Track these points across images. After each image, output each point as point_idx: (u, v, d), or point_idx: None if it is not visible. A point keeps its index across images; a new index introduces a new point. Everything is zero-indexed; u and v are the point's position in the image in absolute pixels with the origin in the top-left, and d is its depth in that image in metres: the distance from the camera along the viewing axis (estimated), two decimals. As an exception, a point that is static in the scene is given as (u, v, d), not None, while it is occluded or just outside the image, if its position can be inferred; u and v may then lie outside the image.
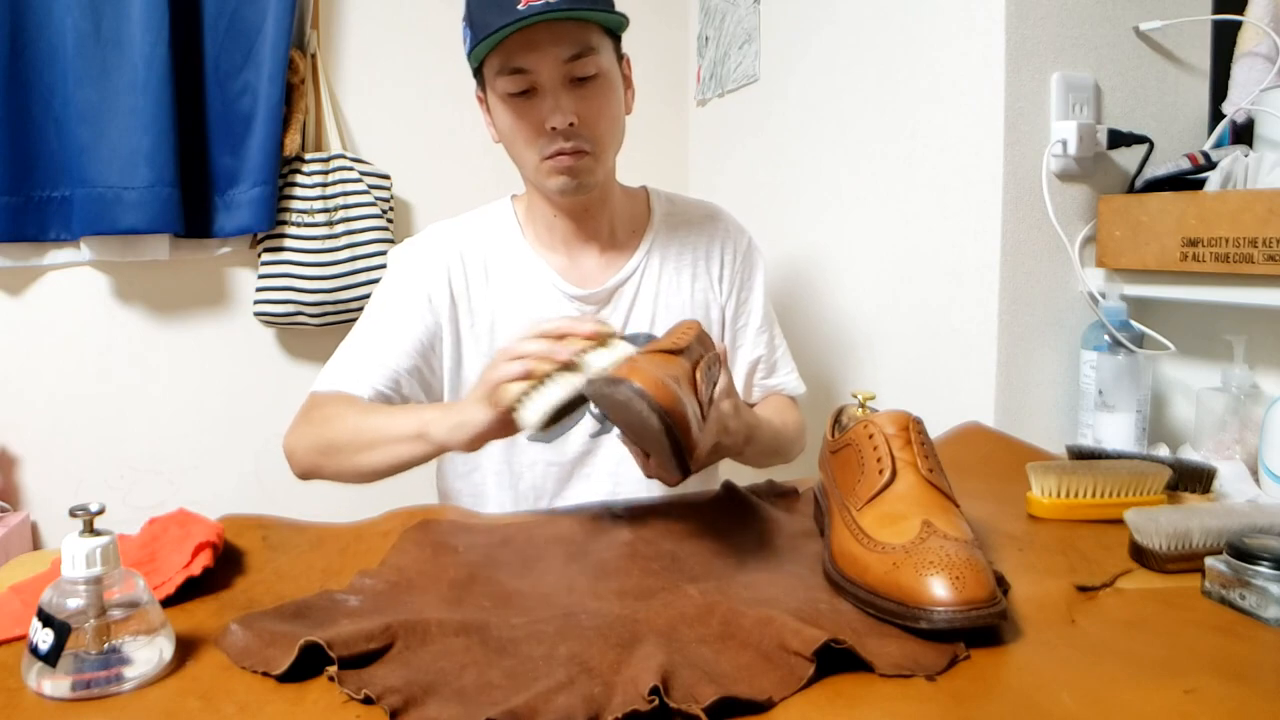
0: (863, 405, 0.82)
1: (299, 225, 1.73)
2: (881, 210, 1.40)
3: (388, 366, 1.01)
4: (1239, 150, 1.07)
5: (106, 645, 0.54)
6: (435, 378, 1.06)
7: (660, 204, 1.15)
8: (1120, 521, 0.75)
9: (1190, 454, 1.03)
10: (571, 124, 0.96)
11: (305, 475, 0.99)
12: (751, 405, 1.16)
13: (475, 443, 0.84)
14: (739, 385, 1.15)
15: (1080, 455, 0.96)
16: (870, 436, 0.71)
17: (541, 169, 1.00)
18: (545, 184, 1.01)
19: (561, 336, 0.79)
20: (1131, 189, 1.18)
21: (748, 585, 0.67)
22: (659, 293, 1.10)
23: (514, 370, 0.78)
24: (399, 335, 1.03)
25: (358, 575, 0.71)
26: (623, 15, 0.98)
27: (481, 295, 1.06)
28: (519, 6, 0.89)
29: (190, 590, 0.67)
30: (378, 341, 1.03)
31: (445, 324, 1.05)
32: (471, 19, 0.96)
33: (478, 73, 1.01)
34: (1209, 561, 0.66)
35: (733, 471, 1.00)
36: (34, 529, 1.70)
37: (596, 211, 1.08)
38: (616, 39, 1.02)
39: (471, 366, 1.06)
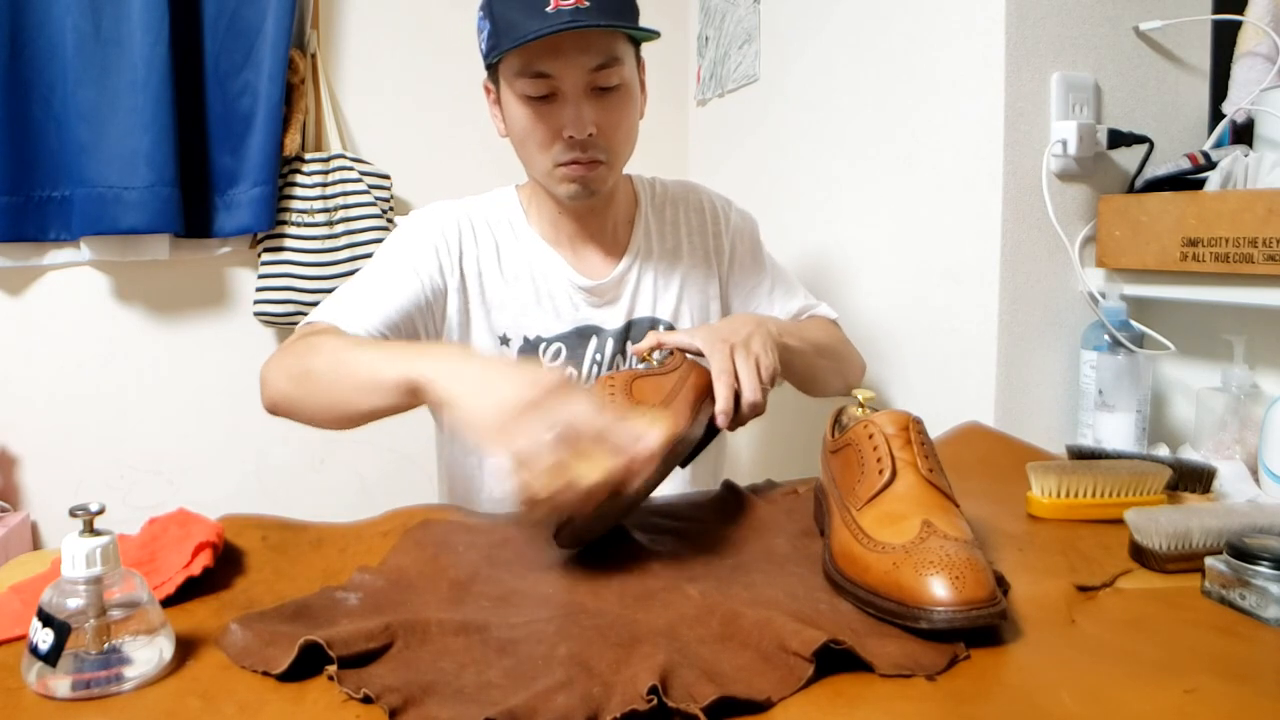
0: (863, 405, 0.82)
1: (299, 225, 1.73)
2: (881, 210, 1.40)
3: (385, 315, 0.97)
4: (1239, 150, 1.07)
5: (106, 645, 0.54)
6: (429, 338, 1.03)
7: (645, 189, 1.16)
8: (1120, 521, 0.75)
9: (1190, 454, 1.03)
10: (590, 134, 0.95)
11: (273, 406, 0.91)
12: None
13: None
14: None
15: (1080, 455, 0.96)
16: (870, 436, 0.71)
17: (554, 174, 0.99)
18: (555, 189, 1.01)
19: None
20: (1131, 189, 1.18)
21: (747, 585, 0.67)
22: (656, 276, 1.11)
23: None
24: (401, 287, 1.00)
25: (358, 571, 0.71)
26: (653, 31, 0.96)
27: (492, 271, 1.06)
28: (548, 9, 0.88)
29: (190, 590, 0.67)
30: (380, 289, 1.00)
31: (453, 293, 1.03)
32: (492, 12, 0.94)
33: (490, 65, 1.00)
34: (1209, 561, 0.66)
35: (732, 472, 1.00)
36: (34, 529, 1.70)
37: (601, 212, 1.09)
38: (638, 47, 1.01)
39: (479, 340, 1.05)
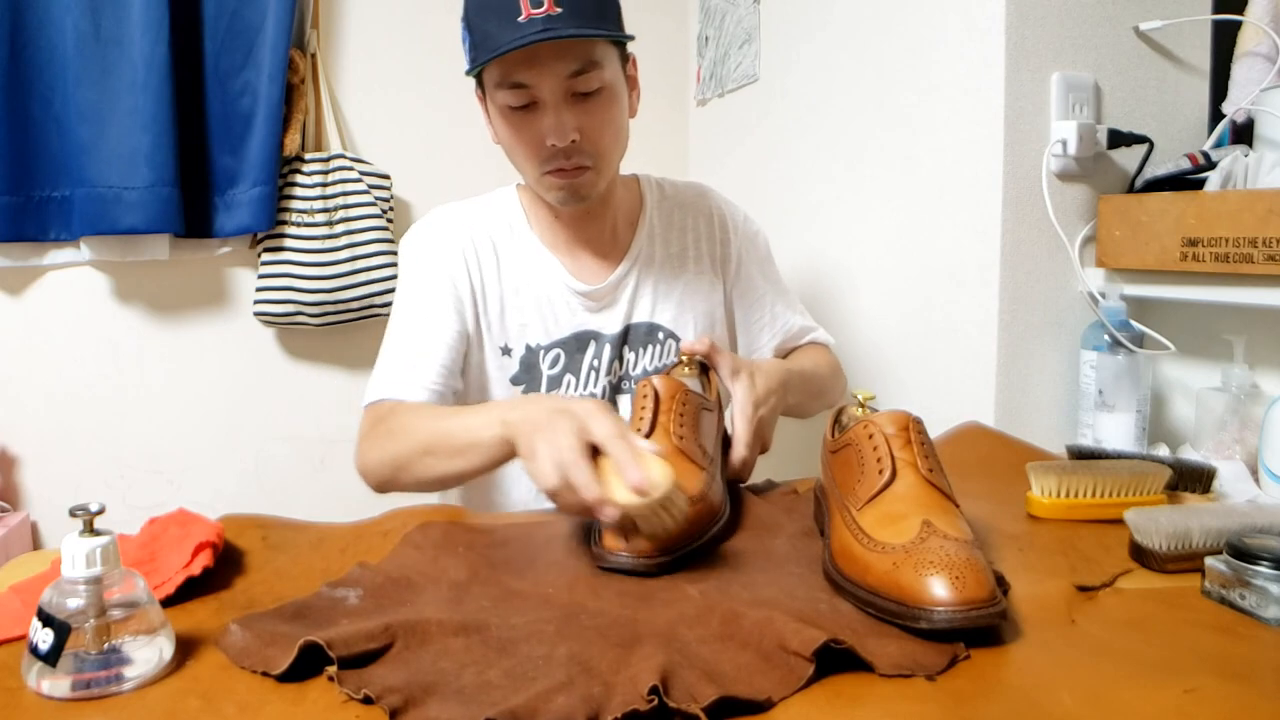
0: (863, 405, 0.82)
1: (299, 225, 1.73)
2: (881, 210, 1.40)
3: (438, 364, 1.00)
4: (1239, 150, 1.07)
5: (106, 645, 0.54)
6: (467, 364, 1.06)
7: (652, 191, 1.15)
8: (1120, 521, 0.75)
9: (1190, 454, 1.03)
10: (573, 141, 0.95)
11: (382, 489, 0.97)
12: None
13: None
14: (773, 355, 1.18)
15: (1080, 455, 0.96)
16: (870, 436, 0.71)
17: (542, 182, 0.99)
18: (546, 195, 1.01)
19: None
20: (1131, 189, 1.18)
21: (747, 585, 0.67)
22: (657, 281, 1.11)
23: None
24: (439, 329, 1.02)
25: (357, 566, 0.71)
26: (627, 35, 0.96)
27: (493, 282, 1.06)
28: (520, 20, 0.87)
29: (190, 590, 0.67)
30: (422, 340, 1.02)
31: (467, 307, 1.05)
32: (470, 24, 0.94)
33: (476, 76, 1.00)
34: (1209, 561, 0.66)
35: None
36: (34, 529, 1.70)
37: (598, 215, 1.08)
38: (622, 46, 1.00)
39: (486, 353, 1.06)
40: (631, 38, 0.96)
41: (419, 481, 0.92)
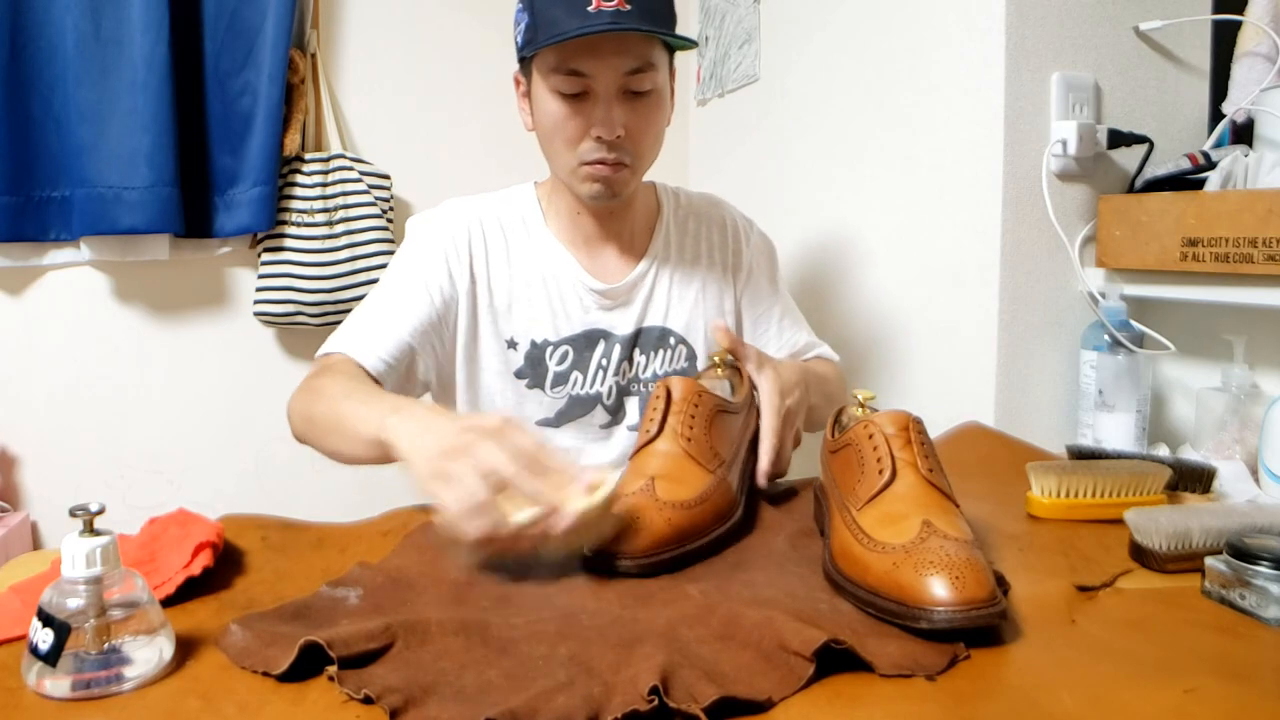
0: (863, 405, 0.82)
1: (299, 225, 1.73)
2: (881, 210, 1.40)
3: (398, 337, 0.99)
4: (1239, 150, 1.07)
5: (106, 645, 0.54)
6: (445, 350, 1.05)
7: (668, 199, 1.16)
8: (1120, 521, 0.75)
9: (1190, 454, 1.03)
10: (619, 136, 0.96)
11: (299, 440, 0.98)
12: None
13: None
14: None
15: (1080, 455, 0.96)
16: (870, 436, 0.71)
17: (578, 172, 1.00)
18: (578, 187, 1.01)
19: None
20: (1131, 189, 1.18)
21: (747, 585, 0.67)
22: (671, 286, 1.11)
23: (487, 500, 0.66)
24: (413, 305, 1.01)
25: (357, 566, 0.71)
26: (691, 40, 0.98)
27: (501, 274, 1.06)
28: (589, 9, 0.89)
29: (190, 590, 0.67)
30: (392, 310, 1.01)
31: (462, 297, 1.04)
32: (533, 5, 0.94)
33: (524, 59, 1.00)
34: (1209, 561, 0.66)
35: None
36: (34, 529, 1.70)
37: (621, 214, 1.09)
38: (671, 55, 1.02)
39: (486, 344, 1.06)
40: (695, 43, 0.97)
41: (323, 450, 0.93)
